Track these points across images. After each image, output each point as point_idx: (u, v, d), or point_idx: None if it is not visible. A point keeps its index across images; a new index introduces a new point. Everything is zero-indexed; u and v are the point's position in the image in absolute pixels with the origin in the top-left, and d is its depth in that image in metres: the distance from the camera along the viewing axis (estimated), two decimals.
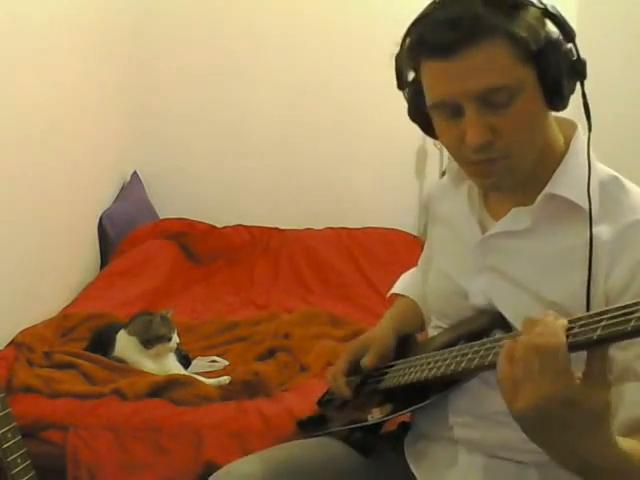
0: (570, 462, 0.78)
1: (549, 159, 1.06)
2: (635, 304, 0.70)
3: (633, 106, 3.14)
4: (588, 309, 0.97)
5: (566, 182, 1.03)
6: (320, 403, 1.39)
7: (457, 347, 1.02)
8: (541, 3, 0.98)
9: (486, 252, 1.12)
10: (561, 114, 1.05)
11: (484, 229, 1.13)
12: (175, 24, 3.39)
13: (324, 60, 3.39)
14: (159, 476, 1.75)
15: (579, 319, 0.75)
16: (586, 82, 1.00)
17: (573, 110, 1.04)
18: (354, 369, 1.29)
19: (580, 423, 0.75)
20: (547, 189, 1.03)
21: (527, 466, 1.08)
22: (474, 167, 1.04)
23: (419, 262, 1.44)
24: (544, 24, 0.97)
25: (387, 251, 3.12)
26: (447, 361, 1.02)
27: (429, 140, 3.17)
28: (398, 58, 1.06)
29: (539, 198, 1.04)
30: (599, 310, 0.75)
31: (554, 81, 0.97)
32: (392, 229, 3.28)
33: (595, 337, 0.72)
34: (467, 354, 0.97)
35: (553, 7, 0.98)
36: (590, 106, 1.01)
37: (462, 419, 1.13)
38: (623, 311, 0.71)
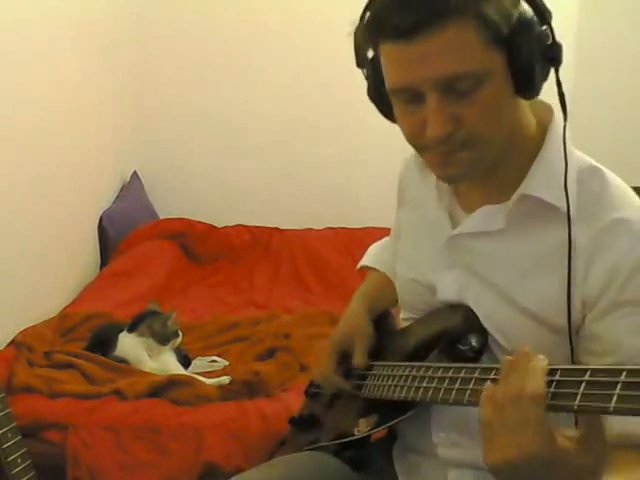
0: None
1: (521, 148, 0.97)
2: (617, 371, 0.67)
3: (633, 104, 3.15)
4: (569, 316, 0.92)
5: (542, 180, 0.95)
6: (307, 394, 1.37)
7: (434, 365, 0.98)
8: None
9: (457, 250, 1.04)
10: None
11: (455, 223, 1.05)
12: (175, 25, 3.39)
13: (324, 60, 3.38)
14: (159, 476, 1.75)
15: (556, 370, 0.73)
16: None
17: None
18: (341, 362, 1.25)
19: None
20: (522, 189, 0.95)
21: None
22: (434, 157, 0.95)
23: (391, 234, 1.37)
24: (517, 3, 0.88)
25: None
26: (425, 382, 0.97)
27: None
28: (357, 33, 0.95)
29: (514, 198, 0.96)
30: (580, 367, 0.71)
31: (525, 67, 0.88)
32: None
33: (575, 407, 0.69)
34: (444, 379, 0.92)
35: None
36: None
37: (446, 435, 1.08)
38: (606, 378, 0.67)
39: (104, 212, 2.93)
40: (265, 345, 2.25)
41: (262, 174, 3.50)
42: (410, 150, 1.02)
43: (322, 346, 1.27)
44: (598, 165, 0.98)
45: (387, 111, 0.99)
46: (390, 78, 0.92)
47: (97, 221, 2.90)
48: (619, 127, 3.17)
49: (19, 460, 1.52)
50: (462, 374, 0.89)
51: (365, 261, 1.41)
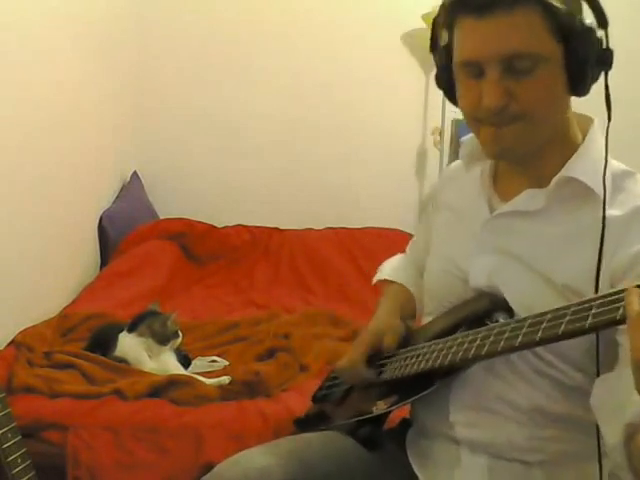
0: None
1: (564, 147, 1.06)
2: None
3: (633, 104, 3.14)
4: (597, 290, 0.96)
5: (582, 167, 1.04)
6: (315, 399, 1.38)
7: (462, 333, 1.01)
8: None
9: (494, 232, 1.11)
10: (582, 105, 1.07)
11: (492, 209, 1.13)
12: (175, 25, 3.39)
13: (324, 60, 3.39)
14: (159, 476, 1.75)
15: None
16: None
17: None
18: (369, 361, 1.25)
19: None
20: (563, 172, 1.04)
21: (532, 466, 1.07)
22: (487, 131, 1.04)
23: (407, 250, 1.42)
24: (581, 6, 0.98)
25: (387, 251, 3.11)
26: (453, 349, 1.01)
27: (429, 140, 3.19)
28: (435, 19, 1.08)
29: (555, 180, 1.04)
30: None
31: (580, 64, 0.98)
32: (392, 229, 3.27)
33: None
34: (475, 340, 0.96)
35: None
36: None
37: (464, 415, 1.11)
38: None
39: (104, 212, 2.93)
40: (265, 345, 2.25)
41: (262, 174, 3.50)
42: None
43: (359, 339, 1.28)
44: (633, 171, 1.07)
45: (452, 95, 1.09)
46: (460, 51, 1.03)
47: (97, 221, 2.89)
48: (619, 127, 3.16)
49: (19, 460, 1.51)
50: (496, 329, 0.94)
51: (383, 275, 1.44)
